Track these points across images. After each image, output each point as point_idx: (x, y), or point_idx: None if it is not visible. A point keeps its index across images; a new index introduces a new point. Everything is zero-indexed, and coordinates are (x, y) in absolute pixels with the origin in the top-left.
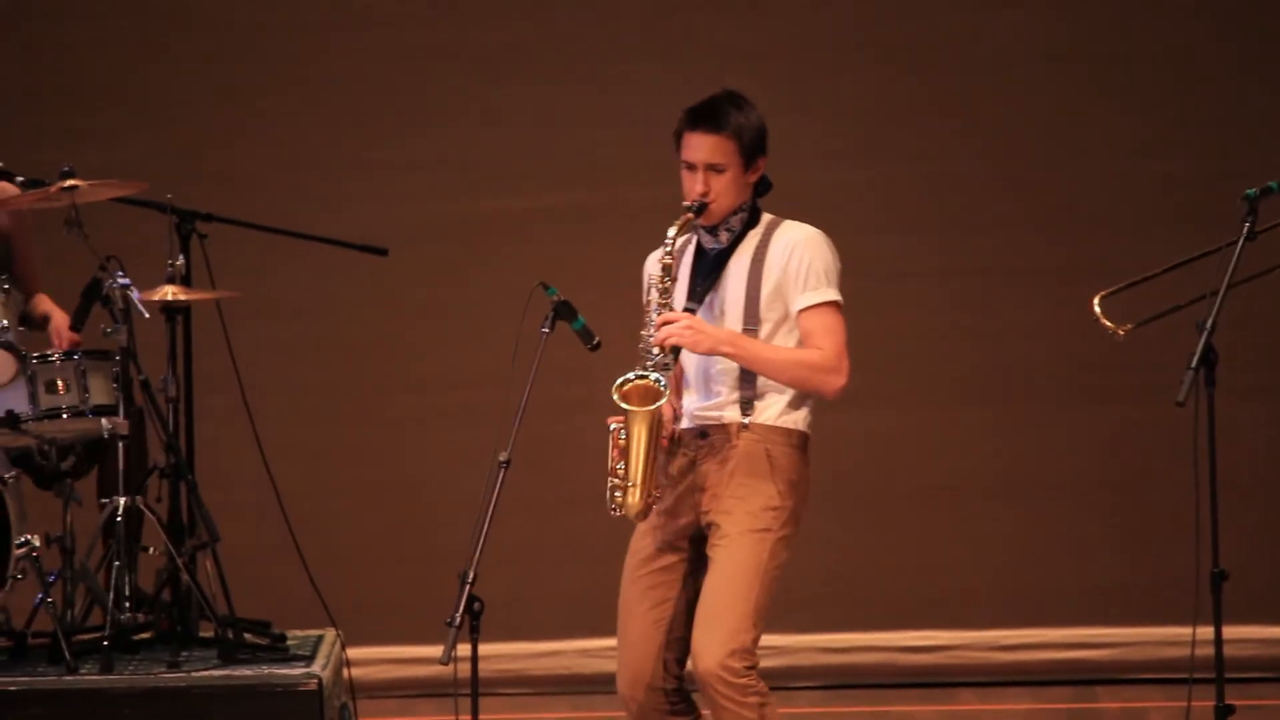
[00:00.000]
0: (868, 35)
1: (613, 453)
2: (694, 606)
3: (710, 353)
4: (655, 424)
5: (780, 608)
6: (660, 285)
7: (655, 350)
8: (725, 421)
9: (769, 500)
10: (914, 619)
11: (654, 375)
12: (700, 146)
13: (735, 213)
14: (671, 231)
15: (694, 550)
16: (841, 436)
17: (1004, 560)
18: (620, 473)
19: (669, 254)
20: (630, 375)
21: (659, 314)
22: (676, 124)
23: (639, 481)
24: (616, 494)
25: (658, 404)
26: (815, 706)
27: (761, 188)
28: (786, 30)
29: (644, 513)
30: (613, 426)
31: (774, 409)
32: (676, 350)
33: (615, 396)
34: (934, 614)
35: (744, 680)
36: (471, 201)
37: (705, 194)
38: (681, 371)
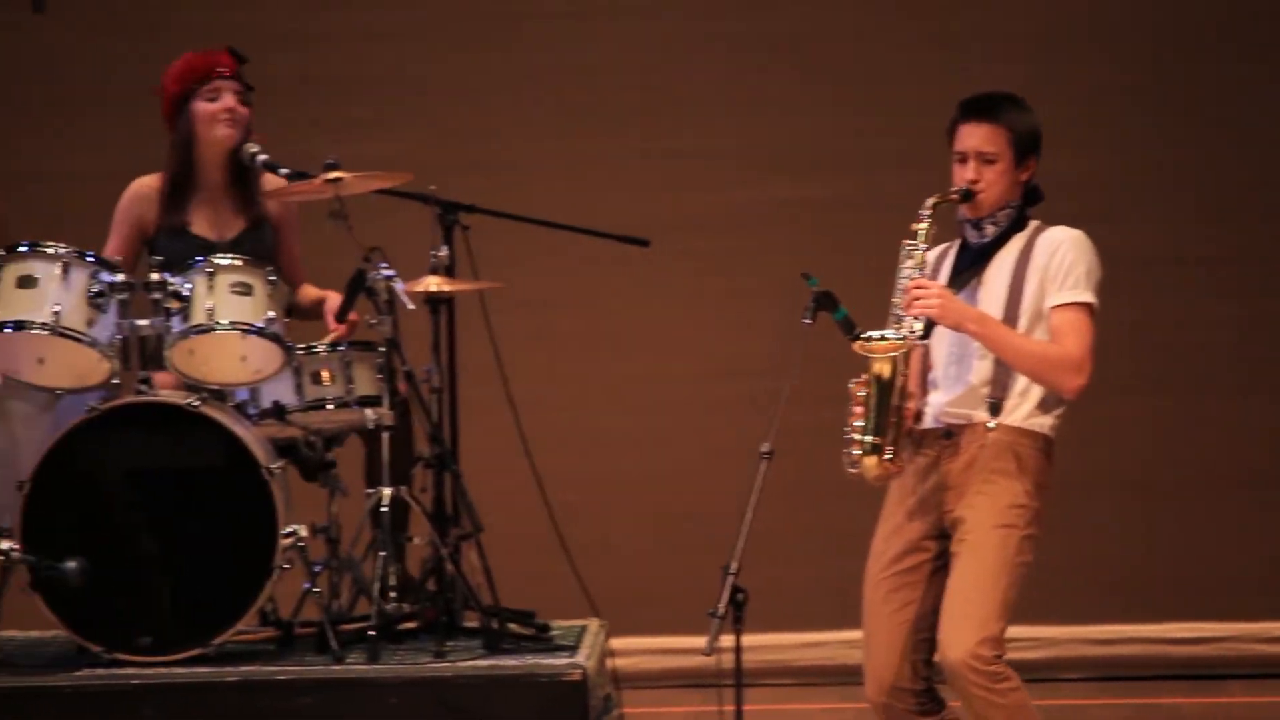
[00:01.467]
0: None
1: (853, 408)
2: (939, 606)
3: (956, 327)
4: (895, 380)
5: (1045, 599)
6: (911, 250)
7: (904, 316)
8: (974, 421)
9: (1016, 498)
10: (1181, 610)
11: (894, 334)
12: (972, 135)
13: (1003, 209)
14: (930, 200)
15: (938, 550)
16: (1108, 426)
17: (1275, 550)
18: (859, 428)
19: (925, 220)
20: (875, 334)
21: (910, 280)
22: (950, 118)
23: (878, 438)
24: (854, 450)
25: (899, 351)
26: (1081, 698)
27: (1032, 196)
28: (1049, 21)
29: (882, 476)
30: (852, 384)
31: (1022, 410)
32: (928, 327)
33: (856, 348)
34: (1202, 605)
35: (994, 668)
36: (732, 191)
37: (974, 182)
38: (929, 368)
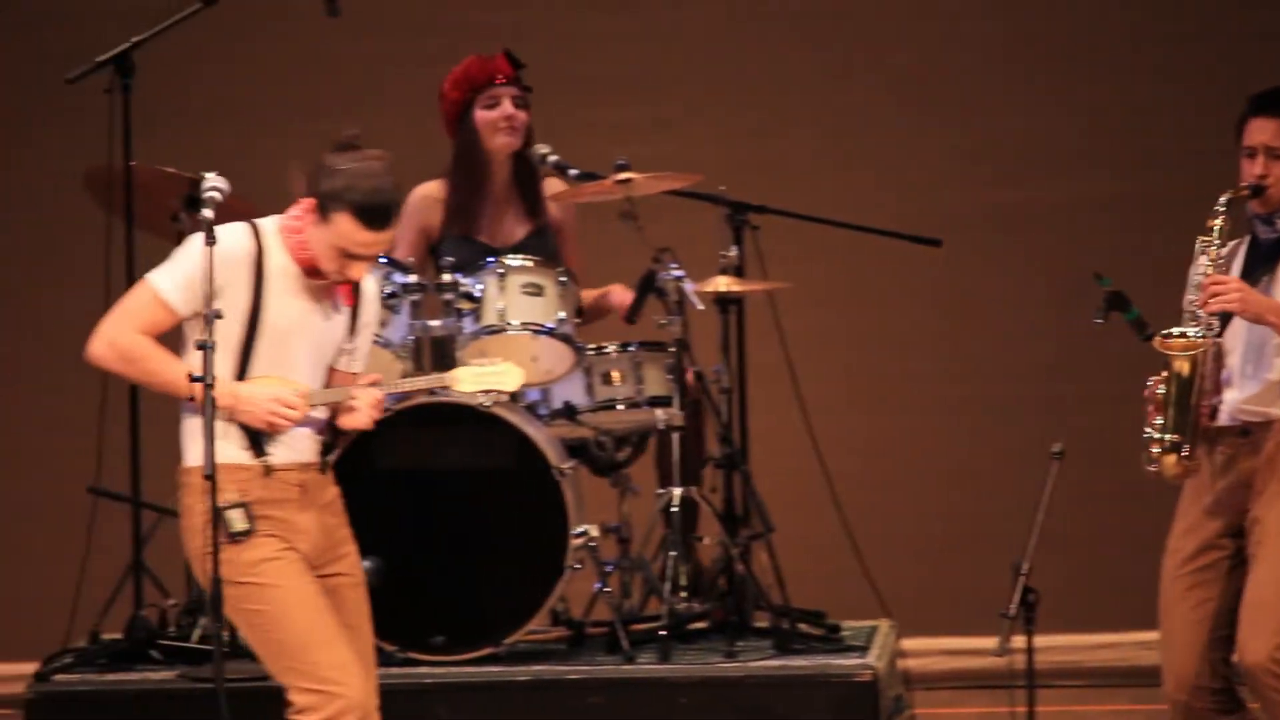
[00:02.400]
0: None
1: (1150, 408)
2: (1237, 605)
3: (1257, 319)
4: (1195, 377)
5: None
6: (1206, 246)
7: (1200, 313)
8: (1271, 418)
9: None
10: None
11: (1194, 331)
12: (1261, 130)
13: None
14: (1223, 197)
15: (1235, 548)
16: None
17: None
18: (1158, 426)
19: (1220, 216)
20: (1174, 331)
21: (1205, 276)
22: (1239, 113)
23: (1178, 436)
24: (1154, 449)
25: (1200, 349)
26: None
27: None
28: None
29: (1180, 475)
30: (1150, 382)
31: None
32: (1224, 320)
33: (1156, 344)
34: None
35: None
36: (1021, 190)
37: (1263, 177)
38: (1223, 366)
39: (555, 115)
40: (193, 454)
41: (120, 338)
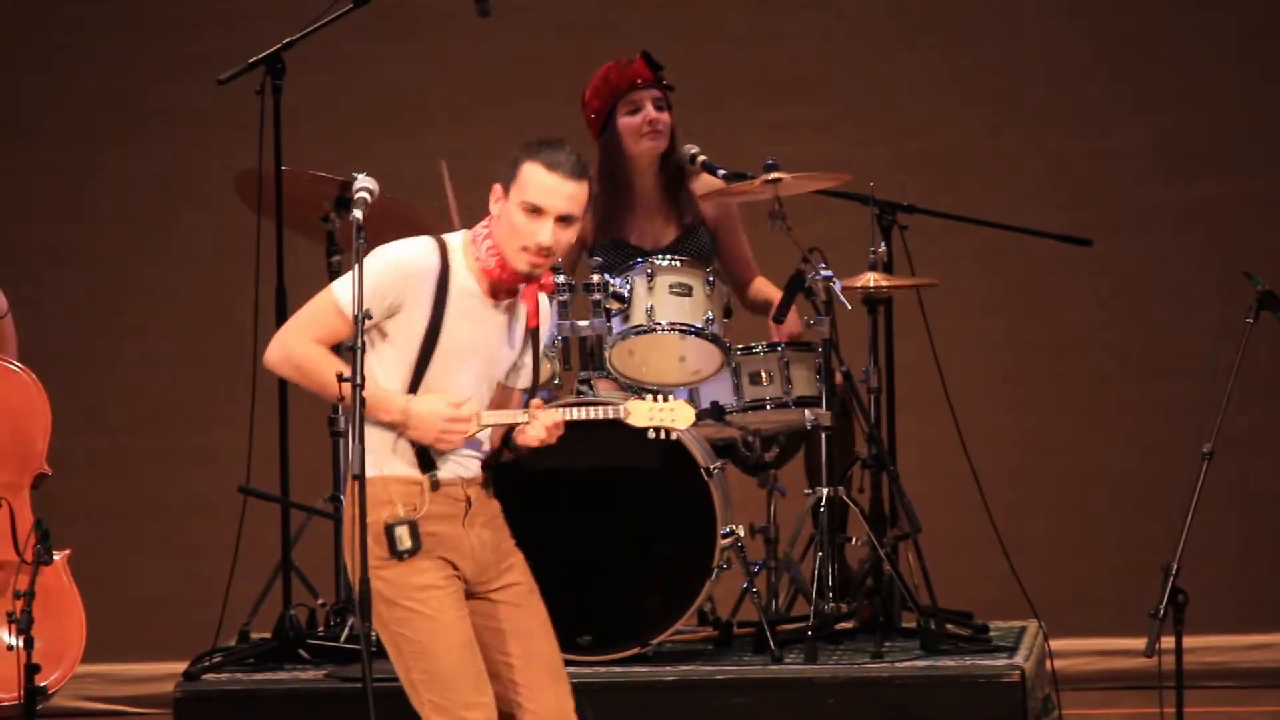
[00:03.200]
0: None
1: None
2: None
3: None
4: None
5: None
6: None
7: None
8: None
9: None
10: None
11: None
12: None
13: None
14: None
15: None
16: None
17: None
18: None
19: None
20: None
21: None
22: None
23: None
24: None
25: None
26: None
27: None
28: None
29: None
30: None
31: None
32: None
33: None
34: None
35: None
36: (1173, 189)
37: None
38: None
39: (704, 115)
40: (366, 464)
41: (295, 347)
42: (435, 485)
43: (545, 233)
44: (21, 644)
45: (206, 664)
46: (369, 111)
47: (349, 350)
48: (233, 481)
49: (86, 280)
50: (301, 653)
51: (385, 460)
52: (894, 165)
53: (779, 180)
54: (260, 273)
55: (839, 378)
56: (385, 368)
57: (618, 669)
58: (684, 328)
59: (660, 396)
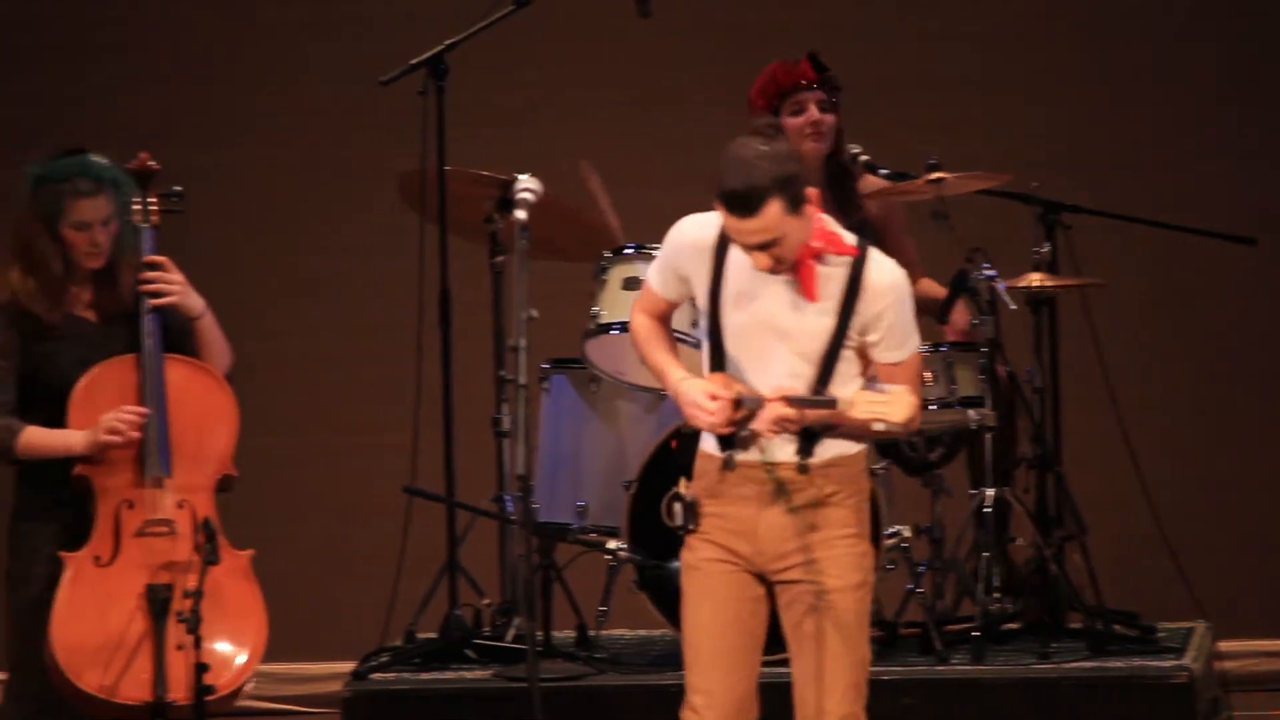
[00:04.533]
0: None
1: None
2: None
3: None
4: None
5: None
6: None
7: None
8: None
9: None
10: None
11: None
12: None
13: None
14: None
15: None
16: None
17: None
18: None
19: None
20: None
21: None
22: None
23: None
24: None
25: None
26: None
27: None
28: None
29: None
30: None
31: None
32: None
33: None
34: None
35: None
36: None
37: None
38: None
39: (866, 115)
40: (705, 440)
41: (632, 318)
42: (729, 465)
43: (755, 259)
44: (190, 643)
45: (374, 663)
46: (531, 111)
47: (511, 350)
48: (398, 482)
49: (251, 282)
50: (468, 652)
51: (706, 435)
52: (1054, 164)
53: (941, 180)
54: (424, 274)
55: (1003, 377)
56: (703, 343)
57: (783, 669)
58: None
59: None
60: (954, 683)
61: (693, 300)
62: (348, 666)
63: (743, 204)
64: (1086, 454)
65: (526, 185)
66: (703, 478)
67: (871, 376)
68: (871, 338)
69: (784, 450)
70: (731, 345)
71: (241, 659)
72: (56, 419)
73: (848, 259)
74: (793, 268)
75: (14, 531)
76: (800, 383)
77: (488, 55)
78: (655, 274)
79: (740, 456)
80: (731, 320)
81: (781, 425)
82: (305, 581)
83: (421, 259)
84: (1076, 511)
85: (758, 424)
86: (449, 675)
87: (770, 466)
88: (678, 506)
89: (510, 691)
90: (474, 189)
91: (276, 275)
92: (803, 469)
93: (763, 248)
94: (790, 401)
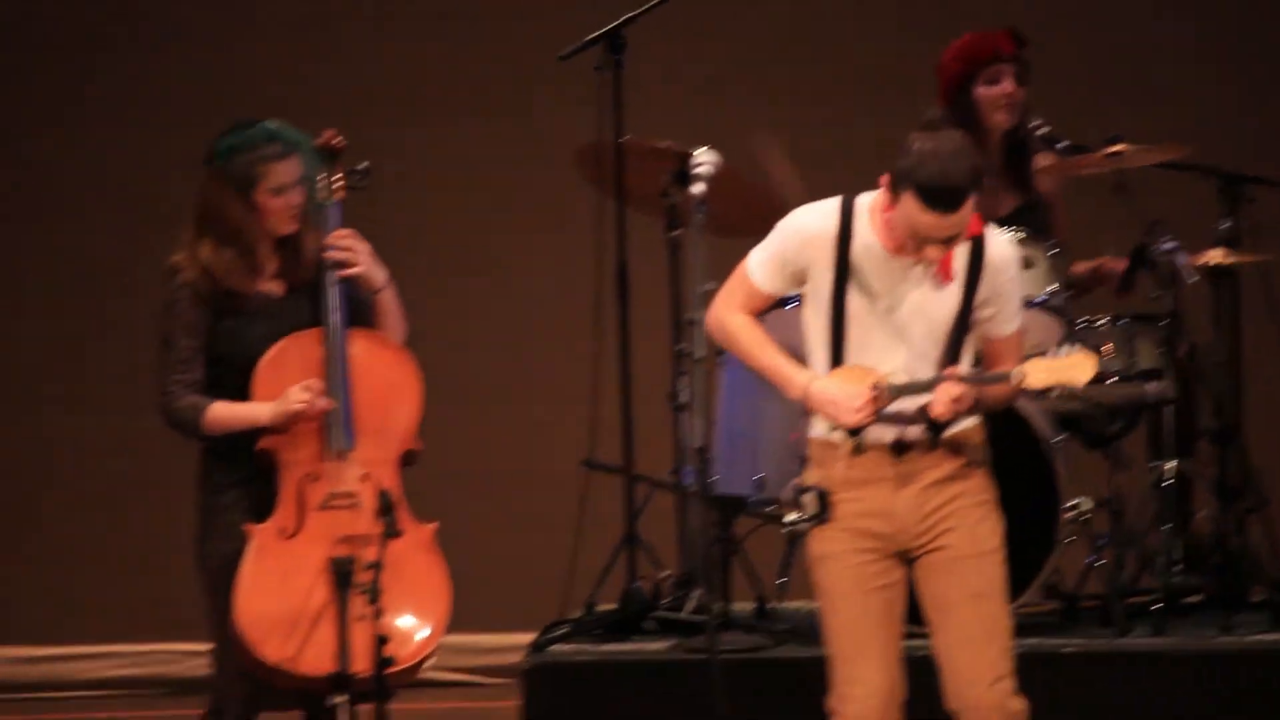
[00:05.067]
0: None
1: None
2: None
3: None
4: None
5: None
6: None
7: None
8: None
9: None
10: None
11: None
12: None
13: None
14: None
15: None
16: None
17: None
18: None
19: None
20: None
21: None
22: None
23: None
24: None
25: None
26: None
27: None
28: None
29: None
30: None
31: None
32: None
33: None
34: None
35: None
36: None
37: None
38: None
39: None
40: (818, 428)
41: (722, 314)
42: (858, 450)
43: (930, 252)
44: (371, 615)
45: (553, 635)
46: (710, 85)
47: (688, 324)
48: (577, 455)
49: (431, 256)
50: (646, 624)
51: (820, 422)
52: (1242, 135)
53: (1121, 153)
54: (601, 248)
55: (1184, 350)
56: (813, 338)
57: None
58: (1026, 300)
59: (1058, 352)
60: (1135, 655)
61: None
62: (527, 638)
63: (948, 201)
64: (1269, 426)
65: (704, 158)
66: (827, 465)
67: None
68: (987, 312)
69: (914, 430)
70: (856, 332)
71: (424, 633)
72: (242, 392)
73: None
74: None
75: (205, 506)
76: (927, 364)
77: (667, 28)
78: (762, 268)
79: (870, 439)
80: (857, 307)
81: (958, 404)
82: (485, 554)
83: (599, 233)
84: (1258, 484)
85: (936, 406)
86: (628, 647)
87: (900, 445)
88: (807, 498)
89: (689, 664)
90: (651, 162)
91: (456, 249)
92: (933, 444)
93: (948, 241)
94: (964, 379)
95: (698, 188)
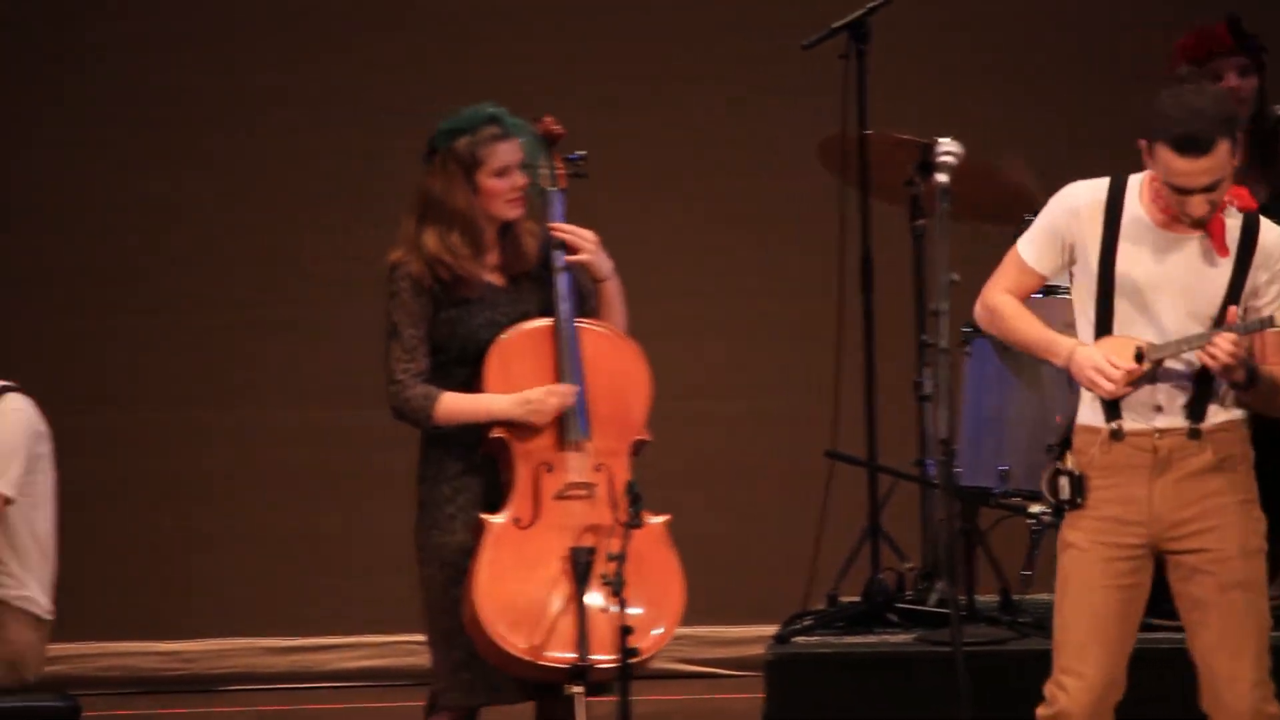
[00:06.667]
0: None
1: None
2: None
3: None
4: None
5: None
6: None
7: None
8: None
9: None
10: None
11: None
12: None
13: None
14: None
15: None
16: None
17: None
18: None
19: None
20: None
21: None
22: None
23: None
24: None
25: None
26: None
27: None
28: None
29: None
30: None
31: None
32: None
33: None
34: None
35: None
36: None
37: None
38: None
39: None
40: (1081, 413)
41: (988, 294)
42: (1116, 435)
43: (1196, 207)
44: (615, 606)
45: (796, 627)
46: (952, 75)
47: (933, 314)
48: (820, 446)
49: (661, 247)
50: (890, 616)
51: (1083, 408)
52: None
53: None
54: (844, 238)
55: None
56: (1081, 313)
57: (1149, 635)
58: None
59: None
60: None
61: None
62: (769, 630)
63: (1196, 144)
64: None
65: (948, 148)
66: (1086, 452)
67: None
68: (1258, 302)
69: (1173, 416)
70: (1123, 305)
71: (660, 625)
72: (469, 383)
73: (1240, 216)
74: (1201, 223)
75: (425, 497)
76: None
77: (910, 17)
78: (1032, 246)
79: (1129, 426)
80: (1125, 279)
81: (1236, 352)
82: (727, 544)
83: (842, 223)
84: None
85: (1215, 355)
86: (871, 639)
87: (1160, 434)
88: (1063, 481)
89: (933, 656)
90: (895, 152)
91: (699, 239)
92: (1193, 434)
93: (1207, 190)
94: (1232, 328)
95: (942, 177)
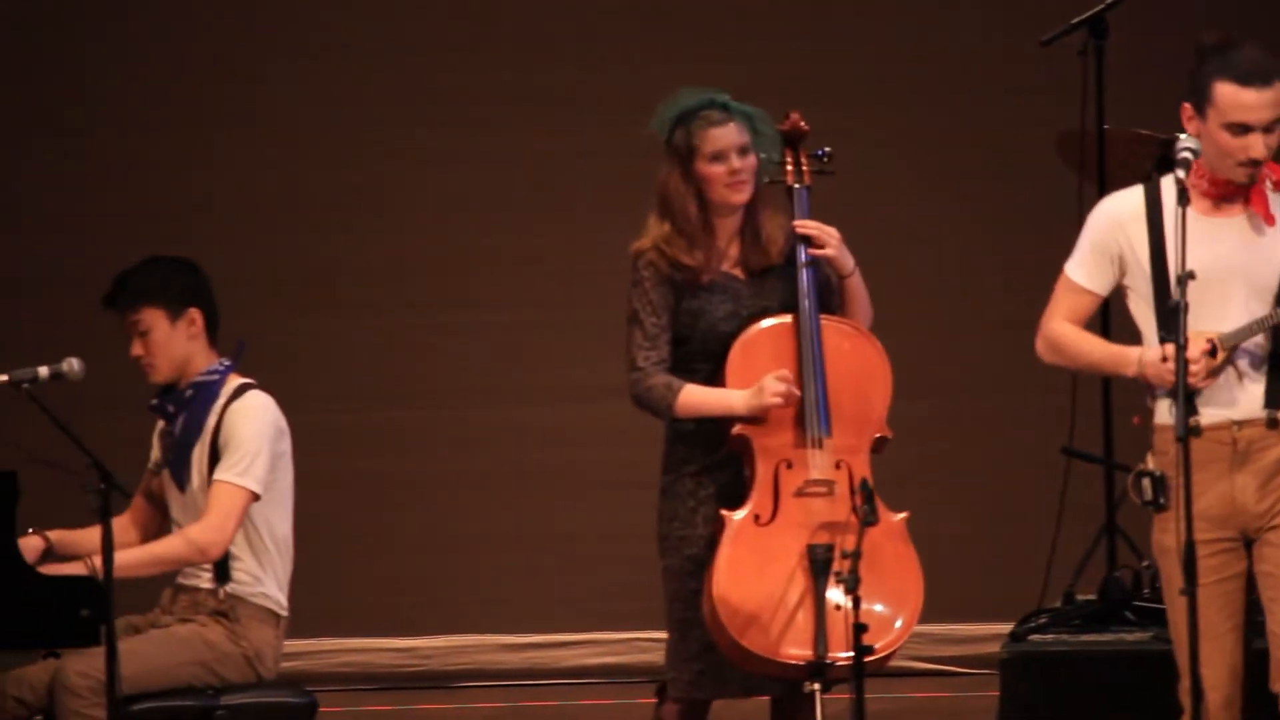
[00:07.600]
0: None
1: None
2: None
3: None
4: None
5: None
6: None
7: None
8: None
9: None
10: None
11: None
12: None
13: None
14: None
15: None
16: None
17: None
18: None
19: None
20: None
21: None
22: None
23: None
24: None
25: None
26: None
27: None
28: None
29: None
30: None
31: None
32: None
33: None
34: None
35: None
36: None
37: None
38: None
39: None
40: (1159, 413)
41: (1047, 329)
42: (1194, 431)
43: (1256, 147)
44: (849, 603)
45: (1032, 625)
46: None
47: (1171, 310)
48: (1056, 443)
49: (891, 243)
50: (1127, 614)
51: (1160, 407)
52: None
53: None
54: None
55: None
56: (1143, 322)
57: None
58: None
59: None
60: None
61: None
62: (1005, 628)
63: (1261, 75)
64: None
65: (1187, 145)
66: (1167, 451)
67: None
68: None
69: (1250, 407)
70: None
71: (899, 622)
72: (711, 376)
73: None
74: (1246, 199)
75: (667, 490)
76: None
77: (1146, 10)
78: (1081, 268)
79: (1206, 420)
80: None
81: None
82: (963, 542)
83: (1080, 220)
84: None
85: None
86: (1107, 637)
87: (1238, 425)
88: (1146, 482)
89: (1169, 654)
90: (1133, 148)
91: (933, 236)
92: (1271, 423)
93: (1267, 131)
94: None
95: (1182, 172)
